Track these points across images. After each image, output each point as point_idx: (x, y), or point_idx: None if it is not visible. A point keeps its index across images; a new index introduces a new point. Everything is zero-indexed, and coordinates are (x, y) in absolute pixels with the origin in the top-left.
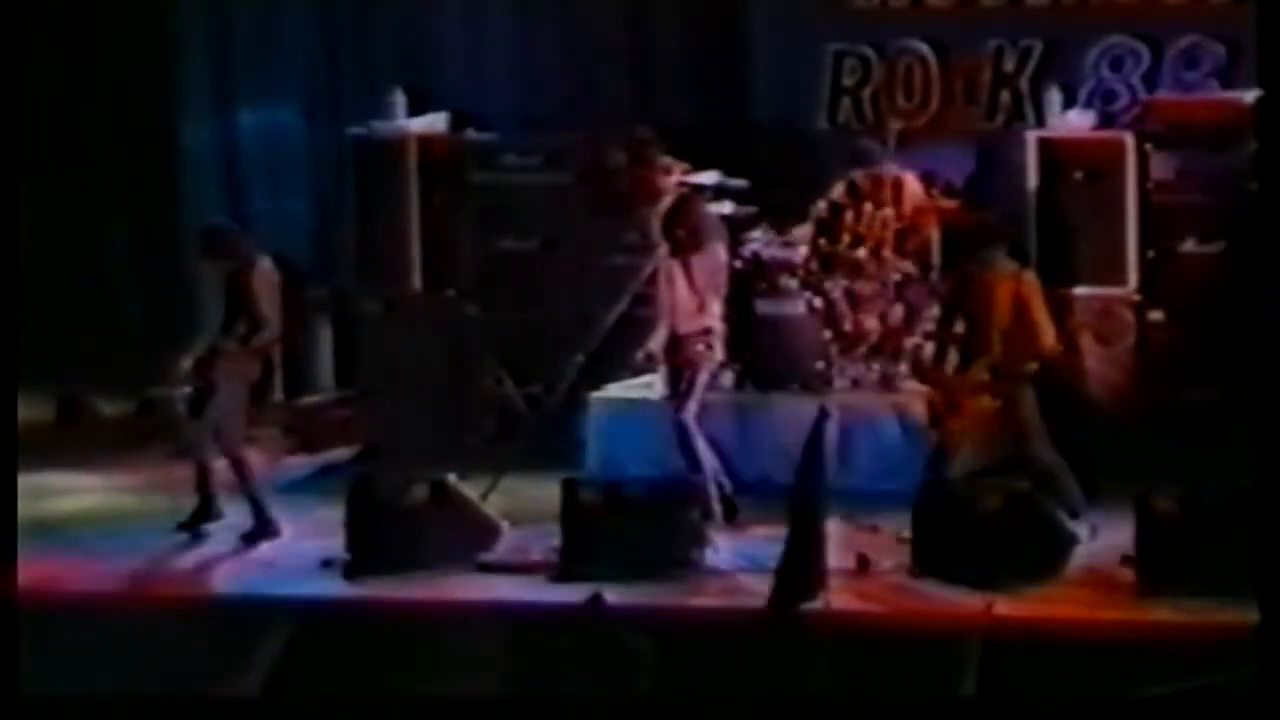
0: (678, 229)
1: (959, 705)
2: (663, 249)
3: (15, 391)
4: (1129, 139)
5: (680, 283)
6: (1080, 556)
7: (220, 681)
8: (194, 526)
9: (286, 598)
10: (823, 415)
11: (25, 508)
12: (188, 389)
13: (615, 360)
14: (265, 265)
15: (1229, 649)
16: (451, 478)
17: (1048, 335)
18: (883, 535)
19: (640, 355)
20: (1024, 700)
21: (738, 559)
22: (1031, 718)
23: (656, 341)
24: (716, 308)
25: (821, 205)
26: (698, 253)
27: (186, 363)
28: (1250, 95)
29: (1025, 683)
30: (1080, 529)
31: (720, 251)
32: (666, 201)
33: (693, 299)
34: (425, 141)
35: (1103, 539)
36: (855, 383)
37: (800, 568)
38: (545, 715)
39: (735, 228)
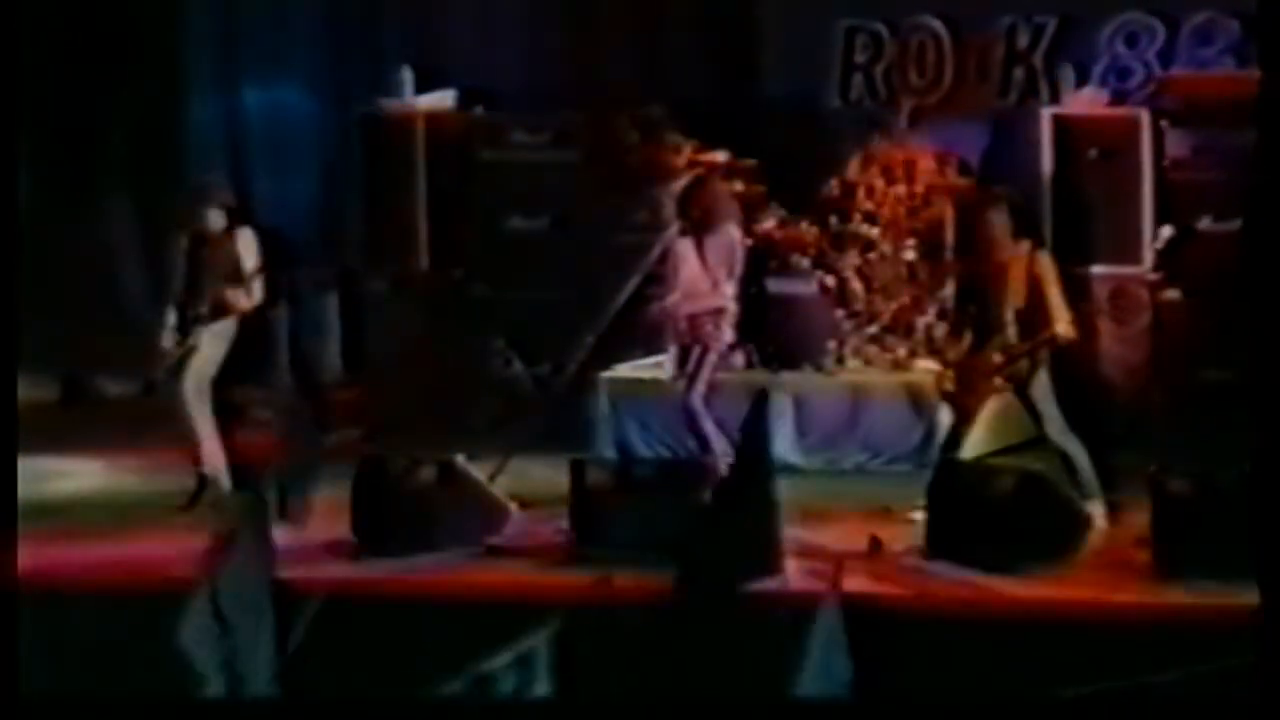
0: (692, 208)
1: (970, 687)
2: (674, 228)
3: (15, 373)
4: (1144, 116)
5: (693, 262)
6: (1094, 539)
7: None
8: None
9: (292, 580)
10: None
11: (26, 491)
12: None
13: (625, 340)
14: (246, 232)
15: (1244, 632)
16: (459, 459)
17: (1062, 316)
18: (895, 517)
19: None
20: (1036, 684)
21: None
22: (1044, 701)
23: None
24: (729, 288)
25: (834, 183)
26: (711, 233)
27: (170, 336)
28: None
29: (1038, 666)
30: (1094, 511)
31: (734, 231)
32: (682, 181)
33: (705, 278)
34: (433, 119)
35: (1117, 521)
36: (868, 362)
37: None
38: (549, 713)
39: (746, 207)
